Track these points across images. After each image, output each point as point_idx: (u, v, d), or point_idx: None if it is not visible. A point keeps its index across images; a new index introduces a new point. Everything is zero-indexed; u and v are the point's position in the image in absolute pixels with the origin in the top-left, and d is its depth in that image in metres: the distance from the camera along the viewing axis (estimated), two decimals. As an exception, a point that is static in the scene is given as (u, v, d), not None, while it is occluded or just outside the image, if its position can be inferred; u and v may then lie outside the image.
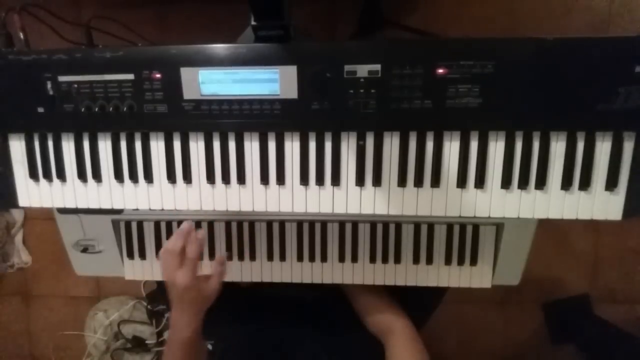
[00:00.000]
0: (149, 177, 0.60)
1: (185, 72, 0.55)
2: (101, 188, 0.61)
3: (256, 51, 0.54)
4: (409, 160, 0.57)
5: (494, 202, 0.57)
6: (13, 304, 1.53)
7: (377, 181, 0.57)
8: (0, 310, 1.54)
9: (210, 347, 0.78)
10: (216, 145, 0.58)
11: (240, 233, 0.74)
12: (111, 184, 0.61)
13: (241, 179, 0.59)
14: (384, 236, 0.73)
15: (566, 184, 0.55)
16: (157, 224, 0.75)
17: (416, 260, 0.73)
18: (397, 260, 0.73)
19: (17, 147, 0.61)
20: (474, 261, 0.73)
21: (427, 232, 0.72)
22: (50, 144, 0.60)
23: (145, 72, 0.55)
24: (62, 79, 0.56)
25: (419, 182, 0.57)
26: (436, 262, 0.73)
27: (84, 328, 1.46)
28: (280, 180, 0.58)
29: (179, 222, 0.75)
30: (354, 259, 0.73)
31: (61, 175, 0.61)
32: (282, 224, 0.74)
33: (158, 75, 0.55)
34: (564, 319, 1.37)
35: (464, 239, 0.72)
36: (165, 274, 0.60)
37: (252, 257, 0.75)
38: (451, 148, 0.56)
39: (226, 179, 0.59)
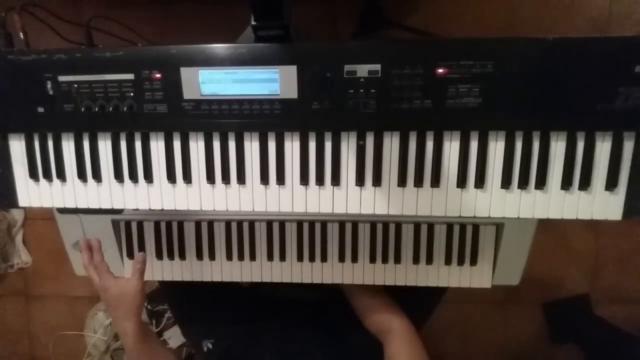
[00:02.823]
0: (149, 177, 0.60)
1: (185, 72, 0.55)
2: (101, 188, 0.61)
3: (256, 51, 0.54)
4: (409, 160, 0.57)
5: (494, 202, 0.57)
6: (13, 304, 1.53)
7: (377, 181, 0.57)
8: (0, 310, 1.54)
9: (210, 346, 0.78)
10: (216, 145, 0.58)
11: (240, 233, 0.74)
12: (111, 184, 0.61)
13: (241, 179, 0.59)
14: (384, 236, 0.73)
15: (566, 184, 0.55)
16: (157, 224, 0.75)
17: (416, 260, 0.73)
18: (397, 260, 0.73)
19: (17, 147, 0.61)
20: (474, 261, 0.73)
21: (427, 232, 0.72)
22: (50, 144, 0.60)
23: (145, 72, 0.55)
24: (62, 79, 0.56)
25: (419, 182, 0.57)
26: (436, 262, 0.73)
27: (84, 328, 1.46)
28: (280, 180, 0.58)
29: (179, 222, 0.75)
30: (354, 259, 0.73)
31: (61, 175, 0.61)
32: (282, 224, 0.74)
33: (158, 75, 0.55)
34: (564, 318, 1.37)
35: (464, 239, 0.72)
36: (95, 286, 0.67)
37: (252, 257, 0.75)
38: (451, 148, 0.56)
39: (226, 179, 0.59)
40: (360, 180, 0.57)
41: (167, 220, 0.75)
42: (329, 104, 0.55)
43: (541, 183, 0.55)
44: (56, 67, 0.56)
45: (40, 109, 0.58)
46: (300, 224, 0.73)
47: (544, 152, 0.55)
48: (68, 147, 0.60)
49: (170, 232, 0.75)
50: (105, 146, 0.60)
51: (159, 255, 0.76)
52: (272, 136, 0.57)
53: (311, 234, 0.74)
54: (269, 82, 0.54)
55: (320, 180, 0.58)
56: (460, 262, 0.73)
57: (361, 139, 0.57)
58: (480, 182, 0.56)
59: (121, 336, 0.67)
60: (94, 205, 0.62)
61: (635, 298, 1.36)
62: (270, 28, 0.53)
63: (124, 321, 0.65)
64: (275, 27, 0.52)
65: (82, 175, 0.61)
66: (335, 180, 0.58)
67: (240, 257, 0.75)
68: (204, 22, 1.25)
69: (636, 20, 1.19)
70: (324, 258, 0.74)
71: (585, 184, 0.55)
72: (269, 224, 0.74)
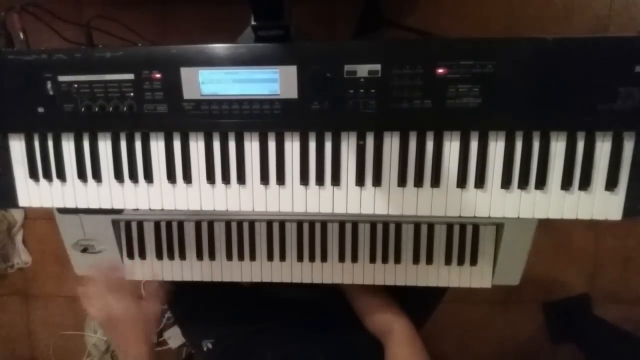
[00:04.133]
0: (149, 177, 0.60)
1: (185, 72, 0.55)
2: (101, 188, 0.61)
3: (256, 51, 0.54)
4: (409, 160, 0.57)
5: (494, 202, 0.57)
6: (13, 304, 1.53)
7: (377, 181, 0.57)
8: (0, 310, 1.54)
9: (210, 346, 0.78)
10: (216, 145, 0.58)
11: (240, 233, 0.74)
12: (111, 184, 0.61)
13: (241, 179, 0.59)
14: (384, 236, 0.73)
15: (566, 184, 0.55)
16: (157, 224, 0.75)
17: (416, 260, 0.73)
18: (397, 260, 0.73)
19: (17, 147, 0.61)
20: (474, 261, 0.73)
21: (427, 232, 0.72)
22: (50, 144, 0.60)
23: (145, 72, 0.55)
24: (62, 79, 0.56)
25: (419, 182, 0.57)
26: (436, 262, 0.73)
27: (84, 328, 1.47)
28: (280, 180, 0.58)
29: (179, 222, 0.75)
30: (354, 259, 0.73)
31: (61, 175, 0.61)
32: (282, 224, 0.74)
33: (158, 75, 0.55)
34: (564, 319, 1.37)
35: (464, 239, 0.72)
36: (100, 313, 0.65)
37: (252, 257, 0.75)
38: (451, 148, 0.56)
39: (226, 179, 0.59)
40: (360, 180, 0.57)
41: (167, 220, 0.75)
42: (329, 104, 0.55)
43: (541, 183, 0.55)
44: (56, 67, 0.56)
45: (40, 109, 0.58)
46: (300, 224, 0.73)
47: (544, 152, 0.55)
48: (68, 147, 0.60)
49: (170, 232, 0.75)
50: (105, 146, 0.60)
51: (159, 255, 0.76)
52: (272, 136, 0.57)
53: (311, 234, 0.74)
54: (269, 82, 0.54)
55: (320, 180, 0.58)
56: (460, 262, 0.73)
57: (361, 139, 0.57)
58: (480, 182, 0.56)
59: (124, 355, 0.65)
60: (94, 205, 0.62)
61: (635, 298, 1.36)
62: (270, 28, 0.53)
63: (141, 345, 0.64)
64: (275, 27, 0.52)
65: (82, 175, 0.61)
66: (335, 180, 0.58)
67: (240, 257, 0.75)
68: (204, 22, 1.25)
69: (636, 20, 1.19)
70: (324, 258, 0.74)
71: (585, 184, 0.55)
72: (269, 224, 0.74)
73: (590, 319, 1.34)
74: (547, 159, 0.55)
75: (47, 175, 0.61)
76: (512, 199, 0.56)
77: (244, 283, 0.79)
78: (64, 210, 0.73)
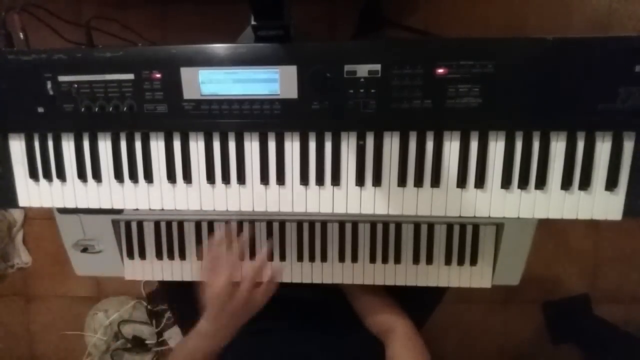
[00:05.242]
0: (149, 177, 0.60)
1: (185, 72, 0.55)
2: (101, 188, 0.61)
3: (256, 51, 0.54)
4: (409, 160, 0.57)
5: (494, 202, 0.57)
6: (13, 304, 1.53)
7: (377, 181, 0.57)
8: (1, 310, 1.54)
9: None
10: (216, 145, 0.58)
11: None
12: (111, 184, 0.61)
13: (241, 179, 0.59)
14: (384, 236, 0.73)
15: (566, 183, 0.55)
16: (157, 224, 0.75)
17: (416, 260, 0.73)
18: (397, 260, 0.73)
19: (17, 147, 0.61)
20: (474, 261, 0.73)
21: (427, 232, 0.72)
22: (50, 144, 0.60)
23: (145, 72, 0.55)
24: (62, 79, 0.56)
25: (419, 182, 0.57)
26: (436, 262, 0.73)
27: (84, 328, 1.46)
28: (280, 180, 0.58)
29: (179, 222, 0.75)
30: (354, 259, 0.73)
31: (61, 175, 0.61)
32: (282, 224, 0.74)
33: (158, 75, 0.55)
34: (564, 318, 1.37)
35: (464, 239, 0.72)
36: (218, 278, 0.60)
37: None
38: (451, 148, 0.56)
39: (226, 179, 0.59)
40: (360, 180, 0.57)
41: (167, 220, 0.75)
42: (329, 104, 0.55)
43: (541, 183, 0.55)
44: (56, 67, 0.56)
45: (40, 109, 0.58)
46: (300, 224, 0.73)
47: (544, 152, 0.55)
48: (68, 147, 0.60)
49: (170, 232, 0.75)
50: (105, 146, 0.60)
51: (159, 255, 0.76)
52: (272, 136, 0.57)
53: (311, 234, 0.74)
54: (269, 82, 0.54)
55: (320, 181, 0.58)
56: (460, 262, 0.73)
57: (361, 139, 0.57)
58: (480, 182, 0.56)
59: (209, 338, 0.63)
60: (94, 205, 0.62)
61: (635, 298, 1.36)
62: (270, 28, 0.53)
63: (232, 330, 0.63)
64: (275, 27, 0.52)
65: (82, 175, 0.61)
66: (335, 180, 0.58)
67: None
68: (204, 22, 1.25)
69: (636, 20, 1.19)
70: (324, 258, 0.74)
71: (585, 184, 0.55)
72: (269, 224, 0.74)
73: (590, 319, 1.34)
74: (547, 159, 0.55)
75: (47, 175, 0.61)
76: (512, 199, 0.56)
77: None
78: (64, 210, 0.73)
